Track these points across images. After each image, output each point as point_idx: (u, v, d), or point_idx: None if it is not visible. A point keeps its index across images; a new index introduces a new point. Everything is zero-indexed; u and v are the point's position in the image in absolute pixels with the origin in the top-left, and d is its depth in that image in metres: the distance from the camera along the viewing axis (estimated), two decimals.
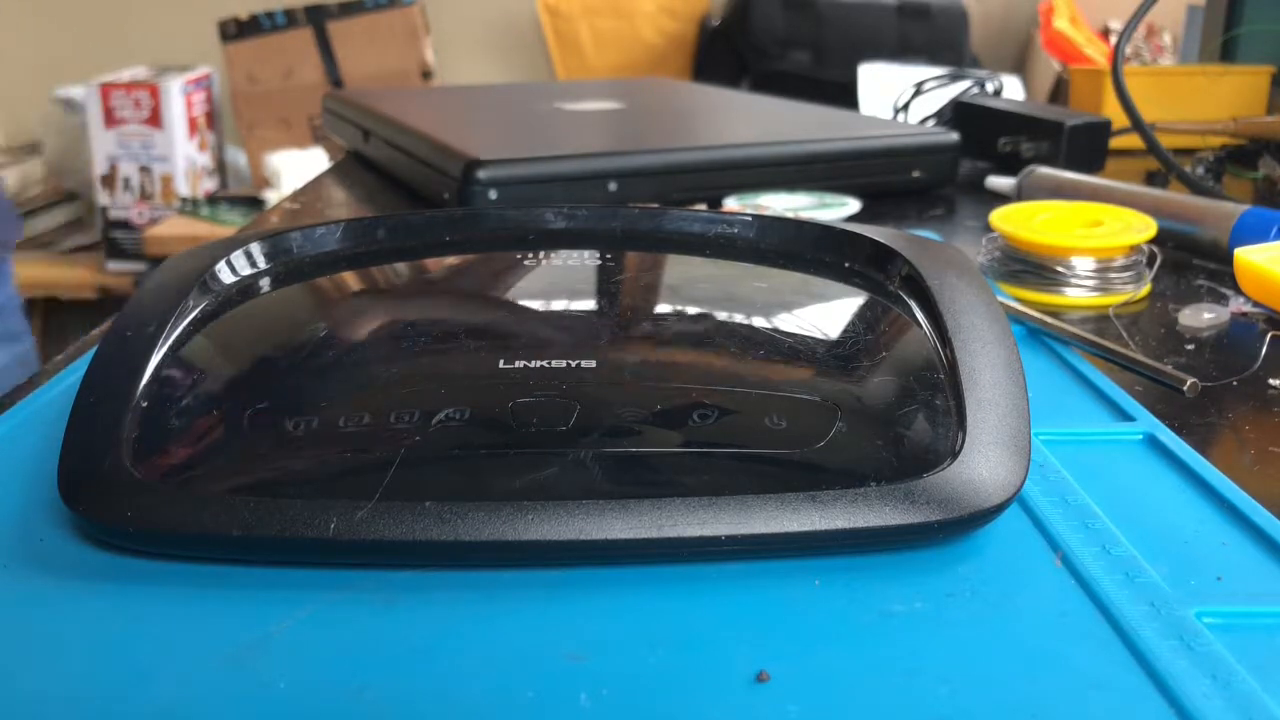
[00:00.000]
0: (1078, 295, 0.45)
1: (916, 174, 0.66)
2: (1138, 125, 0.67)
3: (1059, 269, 0.45)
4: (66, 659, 0.21)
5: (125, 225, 1.98)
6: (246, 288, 0.34)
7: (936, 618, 0.22)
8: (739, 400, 0.27)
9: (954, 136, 0.67)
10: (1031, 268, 0.46)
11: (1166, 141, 0.76)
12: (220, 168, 2.15)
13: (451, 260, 0.38)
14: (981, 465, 0.25)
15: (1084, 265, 0.45)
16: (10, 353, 0.74)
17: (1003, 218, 0.47)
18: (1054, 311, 0.44)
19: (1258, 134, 0.73)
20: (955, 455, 0.25)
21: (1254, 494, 0.27)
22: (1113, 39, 1.85)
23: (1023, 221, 0.47)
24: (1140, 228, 0.45)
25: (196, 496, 0.24)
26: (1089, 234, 0.45)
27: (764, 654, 0.21)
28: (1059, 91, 2.12)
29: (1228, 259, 0.43)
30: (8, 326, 0.76)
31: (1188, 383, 0.32)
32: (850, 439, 0.26)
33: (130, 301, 0.31)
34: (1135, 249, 0.45)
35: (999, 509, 0.24)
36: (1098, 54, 2.11)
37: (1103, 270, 0.45)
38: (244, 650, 0.21)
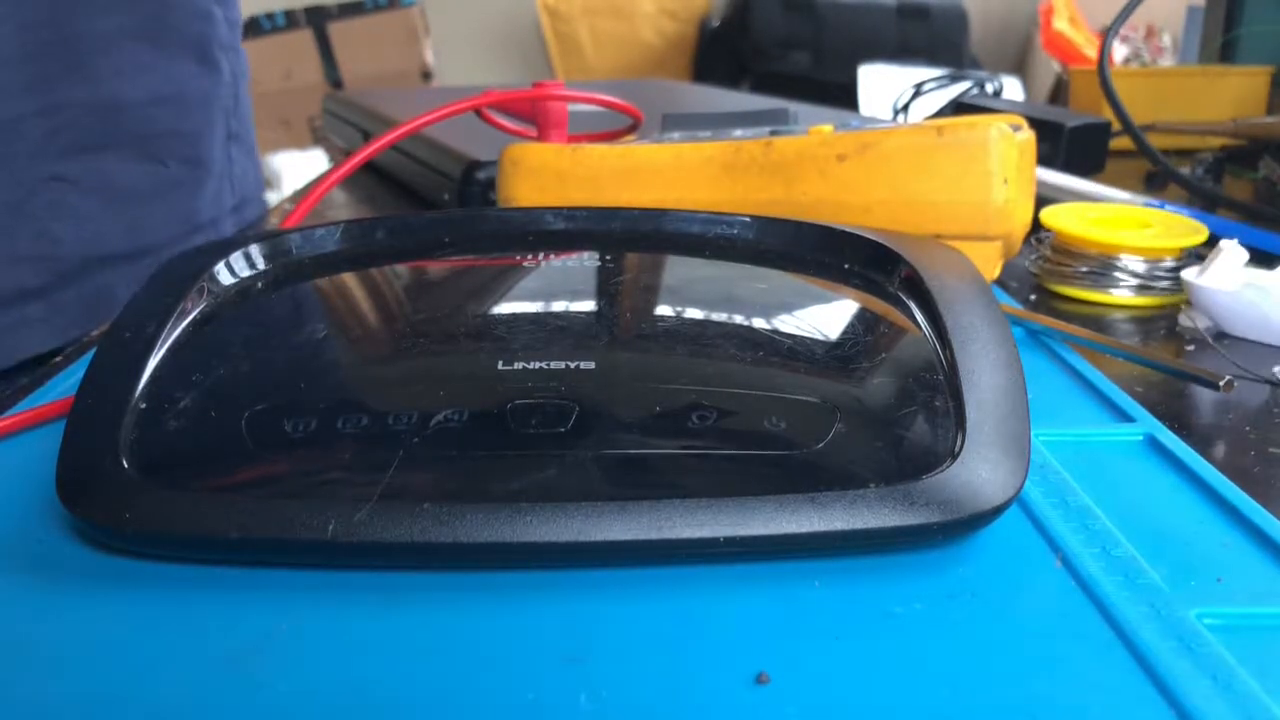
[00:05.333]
0: (1125, 295, 0.45)
1: None
2: (1125, 123, 0.67)
3: (1108, 267, 0.45)
4: (65, 661, 0.21)
5: None
6: (246, 289, 0.34)
7: (936, 619, 0.22)
8: (738, 401, 0.27)
9: None
10: (1080, 265, 0.46)
11: (1166, 142, 0.76)
12: None
13: (451, 261, 0.38)
14: (981, 466, 0.25)
15: (1134, 264, 0.45)
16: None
17: (1053, 215, 0.48)
18: (1100, 314, 0.45)
19: (1257, 134, 0.73)
20: (955, 456, 0.25)
21: (1254, 494, 0.27)
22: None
23: (1073, 219, 0.47)
24: (1190, 230, 0.46)
25: (195, 498, 0.24)
26: (1140, 234, 0.46)
27: (764, 655, 0.21)
28: (1059, 92, 2.12)
29: None
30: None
31: (1224, 380, 0.32)
32: (849, 440, 0.26)
33: (129, 302, 0.31)
34: (1184, 251, 0.46)
35: (999, 510, 0.24)
36: (1097, 55, 2.11)
37: (1151, 271, 0.45)
38: (243, 651, 0.21)
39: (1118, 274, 0.45)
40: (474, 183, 0.56)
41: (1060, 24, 2.21)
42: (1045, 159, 0.69)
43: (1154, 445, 0.30)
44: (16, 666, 0.21)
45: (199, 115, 0.54)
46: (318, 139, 2.08)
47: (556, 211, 0.39)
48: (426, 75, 2.45)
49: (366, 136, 0.77)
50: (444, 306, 0.34)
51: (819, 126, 0.47)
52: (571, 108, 0.52)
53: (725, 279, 0.36)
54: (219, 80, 0.55)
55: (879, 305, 0.33)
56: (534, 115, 0.51)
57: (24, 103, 0.45)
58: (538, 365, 0.28)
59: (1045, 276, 0.48)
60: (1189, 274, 0.41)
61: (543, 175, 0.46)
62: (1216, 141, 0.78)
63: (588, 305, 0.33)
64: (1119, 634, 0.22)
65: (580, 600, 0.23)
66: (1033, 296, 0.47)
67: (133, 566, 0.24)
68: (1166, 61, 2.24)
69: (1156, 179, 0.74)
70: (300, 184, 1.28)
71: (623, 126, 0.54)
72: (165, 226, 0.54)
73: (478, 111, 0.51)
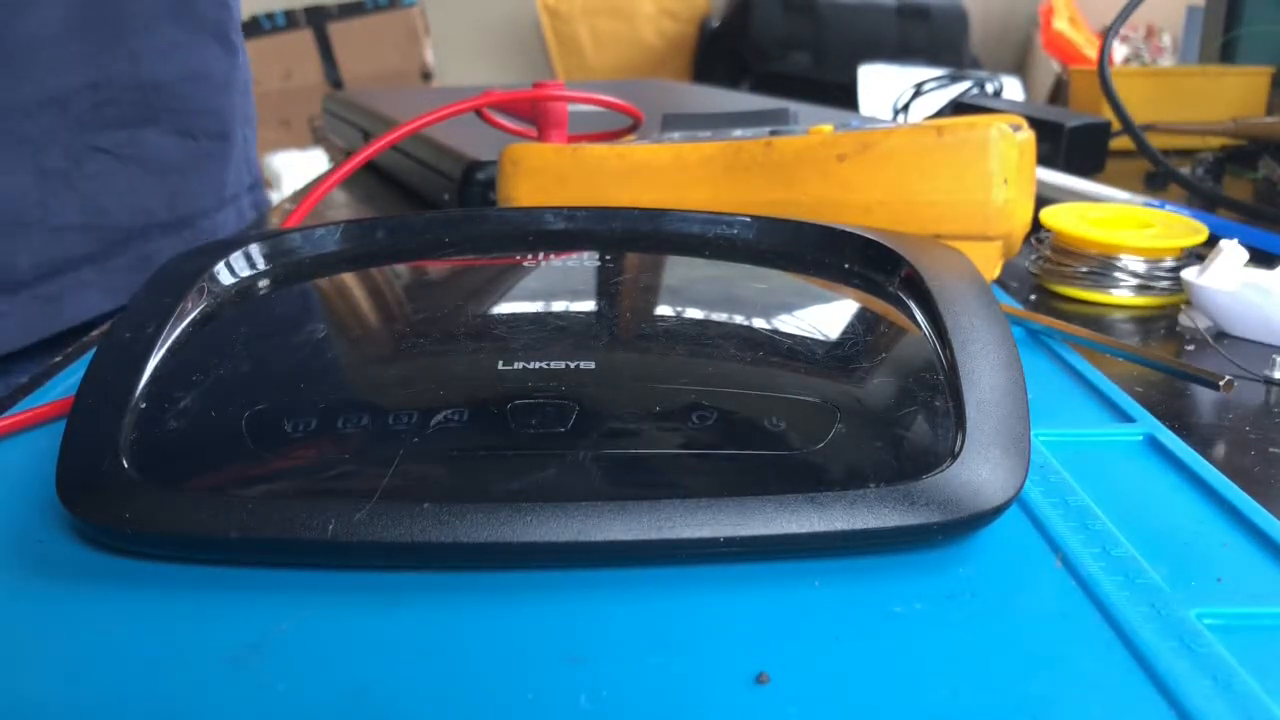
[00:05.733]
0: (1125, 295, 0.45)
1: None
2: (1125, 123, 0.67)
3: (1108, 267, 0.45)
4: (65, 661, 0.21)
5: None
6: (246, 289, 0.34)
7: (937, 619, 0.22)
8: (738, 401, 0.27)
9: None
10: (1080, 265, 0.46)
11: (1166, 142, 0.76)
12: None
13: (451, 261, 0.38)
14: (981, 466, 0.25)
15: (1134, 264, 0.45)
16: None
17: (1053, 215, 0.48)
18: (1100, 314, 0.45)
19: (1257, 134, 0.73)
20: (955, 456, 0.25)
21: (1254, 494, 0.27)
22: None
23: (1073, 220, 0.47)
24: (1190, 230, 0.46)
25: (195, 498, 0.24)
26: (1140, 234, 0.46)
27: (764, 655, 0.21)
28: (1059, 92, 2.12)
29: None
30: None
31: (1224, 380, 0.32)
32: (850, 440, 0.26)
33: (130, 303, 0.31)
34: (1184, 251, 0.46)
35: (999, 510, 0.24)
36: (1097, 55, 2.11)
37: (1151, 271, 0.45)
38: (243, 651, 0.21)
39: (1118, 274, 0.45)
40: (474, 183, 0.56)
41: (1060, 24, 2.21)
42: (1045, 159, 0.69)
43: (1154, 445, 0.30)
44: (16, 666, 0.21)
45: (223, 95, 0.58)
46: (318, 139, 2.08)
47: (556, 211, 0.39)
48: (426, 75, 2.45)
49: (366, 136, 0.77)
50: (444, 306, 0.34)
51: (819, 126, 0.47)
52: (572, 107, 0.52)
53: (725, 279, 0.36)
54: (236, 64, 0.58)
55: (879, 305, 0.33)
56: (534, 115, 0.51)
57: (74, 77, 0.48)
58: (538, 365, 0.28)
59: (1045, 276, 0.48)
60: (1189, 274, 0.41)
61: (543, 175, 0.46)
62: (1216, 141, 0.78)
63: (588, 305, 0.33)
64: (1119, 634, 0.22)
65: (580, 600, 0.23)
66: (1033, 296, 0.47)
67: (133, 566, 0.24)
68: (1166, 61, 2.24)
69: (1156, 179, 0.74)
70: (300, 184, 1.28)
71: (623, 127, 0.54)
72: (200, 198, 0.56)
73: (478, 112, 0.51)
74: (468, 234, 0.39)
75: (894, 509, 0.24)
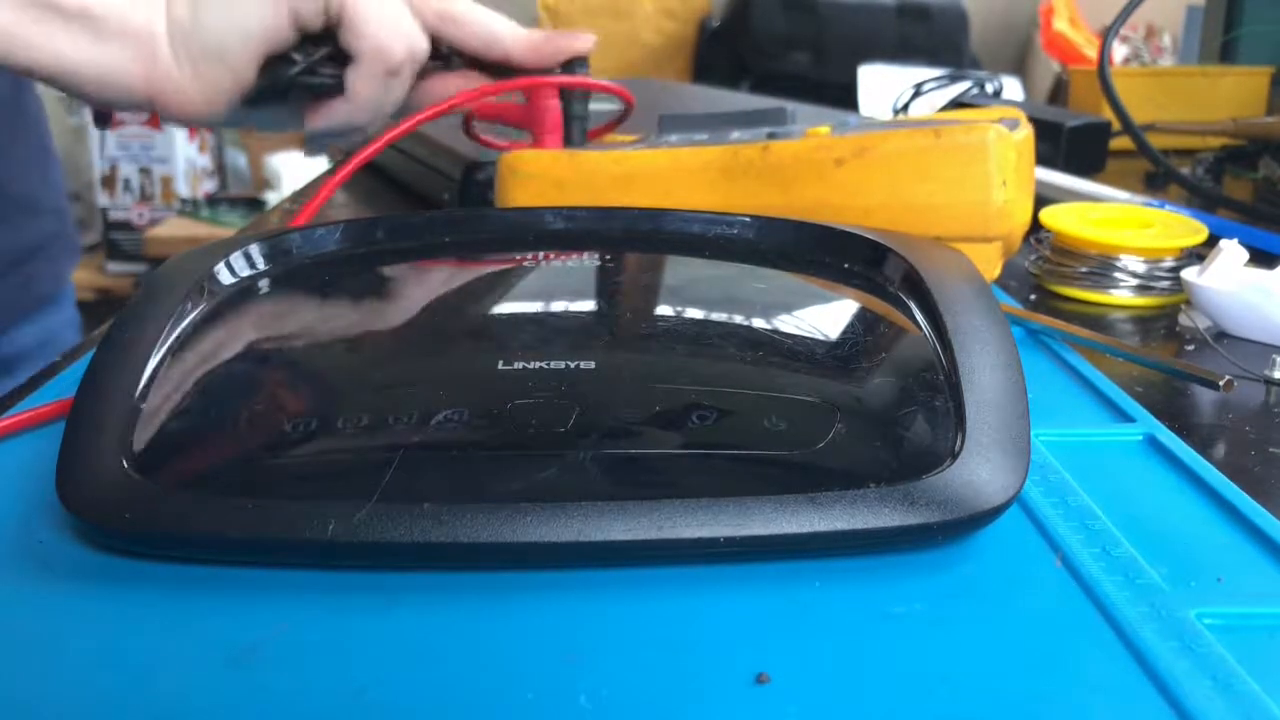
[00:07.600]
0: (1125, 295, 0.45)
1: None
2: (1125, 123, 0.67)
3: (1108, 267, 0.45)
4: (65, 661, 0.21)
5: (125, 226, 1.98)
6: (246, 289, 0.34)
7: (937, 619, 0.22)
8: (738, 401, 0.27)
9: None
10: (1080, 265, 0.46)
11: (1166, 142, 0.76)
12: (220, 169, 2.15)
13: (451, 261, 0.38)
14: (981, 466, 0.25)
15: (1134, 264, 0.45)
16: None
17: (1053, 215, 0.48)
18: (1100, 314, 0.45)
19: (1257, 135, 0.73)
20: (955, 456, 0.25)
21: (1254, 494, 0.27)
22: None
23: (1073, 220, 0.47)
24: (1190, 230, 0.46)
25: (195, 498, 0.24)
26: (1140, 234, 0.46)
27: (764, 655, 0.21)
28: (1059, 92, 2.12)
29: None
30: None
31: (1224, 380, 0.32)
32: (849, 440, 0.26)
33: (129, 303, 0.31)
34: (1184, 251, 0.46)
35: (999, 510, 0.24)
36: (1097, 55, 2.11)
37: (1151, 271, 0.45)
38: (243, 651, 0.21)
39: (1118, 274, 0.45)
40: (474, 182, 0.56)
41: (1060, 24, 2.21)
42: (1045, 159, 0.69)
43: (1154, 445, 0.30)
44: (16, 666, 0.21)
45: None
46: None
47: (556, 211, 0.39)
48: None
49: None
50: (444, 306, 0.34)
51: (816, 128, 0.47)
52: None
53: (725, 279, 0.36)
54: None
55: (879, 305, 0.33)
56: (528, 120, 0.51)
57: None
58: (538, 365, 0.28)
59: (1045, 277, 0.48)
60: (1189, 274, 0.41)
61: (541, 181, 0.46)
62: (1216, 142, 0.78)
63: (588, 305, 0.33)
64: (1119, 634, 0.22)
65: (580, 600, 0.23)
66: (1033, 296, 0.47)
67: (132, 566, 0.24)
68: (1166, 61, 2.24)
69: (1157, 179, 0.73)
70: (300, 184, 1.28)
71: (614, 118, 0.54)
72: None
73: (467, 129, 0.51)
74: (468, 234, 0.39)
75: (894, 509, 0.24)
